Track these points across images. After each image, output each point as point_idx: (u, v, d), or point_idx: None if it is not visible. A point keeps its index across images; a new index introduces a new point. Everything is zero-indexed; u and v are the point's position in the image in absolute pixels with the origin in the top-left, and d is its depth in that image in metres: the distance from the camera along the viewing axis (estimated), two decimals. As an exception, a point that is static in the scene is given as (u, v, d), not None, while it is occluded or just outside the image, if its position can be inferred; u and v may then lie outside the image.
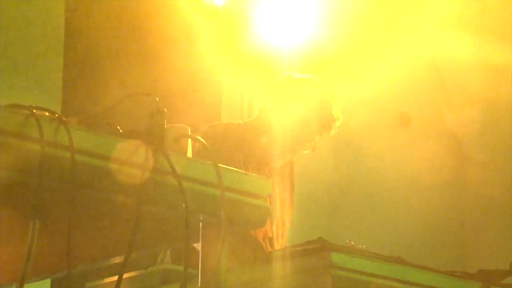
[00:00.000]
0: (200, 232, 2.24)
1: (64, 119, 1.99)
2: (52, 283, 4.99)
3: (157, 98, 2.19)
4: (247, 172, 2.31)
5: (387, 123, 6.74)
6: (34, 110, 1.95)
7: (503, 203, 6.33)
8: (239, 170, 2.28)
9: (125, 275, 2.12)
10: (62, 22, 5.56)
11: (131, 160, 2.06)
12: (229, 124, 3.83)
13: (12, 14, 5.30)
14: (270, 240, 3.80)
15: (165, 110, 2.17)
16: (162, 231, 2.34)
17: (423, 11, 6.48)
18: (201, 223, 2.24)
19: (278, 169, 3.82)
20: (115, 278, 2.09)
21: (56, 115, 2.00)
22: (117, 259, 2.44)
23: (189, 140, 2.27)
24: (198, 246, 2.26)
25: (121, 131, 2.16)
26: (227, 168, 2.22)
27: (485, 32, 6.43)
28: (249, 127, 3.82)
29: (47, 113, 1.99)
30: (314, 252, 2.69)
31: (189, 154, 2.26)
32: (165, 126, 2.17)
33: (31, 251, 1.91)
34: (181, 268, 2.19)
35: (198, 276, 2.22)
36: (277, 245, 3.79)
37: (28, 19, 5.40)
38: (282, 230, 3.85)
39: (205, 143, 2.22)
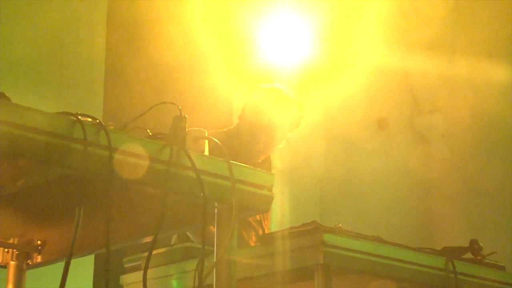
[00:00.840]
0: (216, 216, 2.23)
1: (103, 124, 1.98)
2: (96, 258, 4.99)
3: (180, 106, 2.18)
4: (253, 167, 2.30)
5: (369, 126, 6.73)
6: (80, 117, 1.94)
7: (462, 192, 6.32)
8: (247, 165, 2.26)
9: (154, 252, 2.11)
10: (103, 46, 5.55)
11: (158, 157, 2.05)
12: (216, 132, 3.83)
13: (59, 30, 5.28)
14: (259, 222, 3.81)
15: (186, 116, 2.16)
16: (184, 216, 2.33)
17: (397, 36, 6.48)
18: (216, 209, 2.23)
19: (259, 164, 3.80)
20: (146, 253, 2.08)
21: (97, 120, 1.99)
22: (148, 238, 2.43)
23: (206, 141, 2.26)
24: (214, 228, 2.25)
25: (150, 133, 2.15)
26: (237, 163, 2.21)
27: (449, 51, 6.42)
28: (233, 132, 3.82)
29: (89, 119, 1.98)
30: (309, 233, 2.68)
31: (206, 152, 2.25)
32: (187, 130, 2.16)
33: (77, 232, 1.90)
34: (200, 246, 2.17)
35: (214, 252, 2.21)
36: (264, 226, 3.81)
37: (72, 36, 5.38)
38: (266, 214, 3.86)
39: (219, 143, 2.21)
